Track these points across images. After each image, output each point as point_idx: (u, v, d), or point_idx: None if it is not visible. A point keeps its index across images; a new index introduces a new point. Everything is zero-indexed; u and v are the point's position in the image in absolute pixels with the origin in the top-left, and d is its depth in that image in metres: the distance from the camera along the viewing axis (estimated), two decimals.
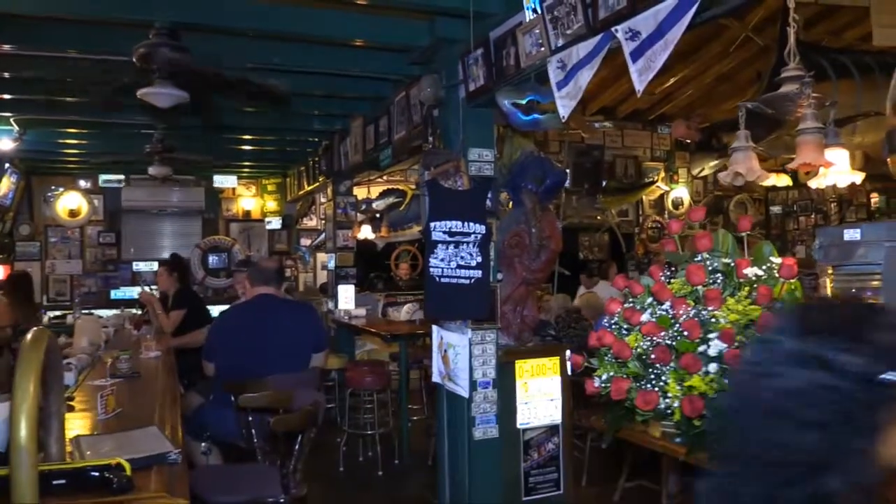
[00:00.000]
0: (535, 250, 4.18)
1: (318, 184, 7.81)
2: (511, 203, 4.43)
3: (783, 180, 9.08)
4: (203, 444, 3.84)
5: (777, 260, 2.04)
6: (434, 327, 4.45)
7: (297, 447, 2.95)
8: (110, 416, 2.67)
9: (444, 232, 3.97)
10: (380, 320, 7.36)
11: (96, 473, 1.70)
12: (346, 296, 7.04)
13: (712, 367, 1.93)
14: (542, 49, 3.22)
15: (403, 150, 5.15)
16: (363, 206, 7.80)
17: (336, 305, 7.12)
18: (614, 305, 2.29)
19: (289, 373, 3.59)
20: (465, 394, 4.02)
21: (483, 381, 4.01)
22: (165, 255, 8.32)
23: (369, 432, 5.70)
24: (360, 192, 9.29)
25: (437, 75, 4.21)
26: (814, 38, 6.26)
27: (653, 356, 2.01)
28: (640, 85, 2.61)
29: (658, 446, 2.08)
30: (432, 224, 3.99)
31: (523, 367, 4.18)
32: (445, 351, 4.27)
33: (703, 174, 10.41)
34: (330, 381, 6.63)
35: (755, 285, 2.00)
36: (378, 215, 8.94)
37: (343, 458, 5.69)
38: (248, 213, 10.14)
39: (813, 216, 10.59)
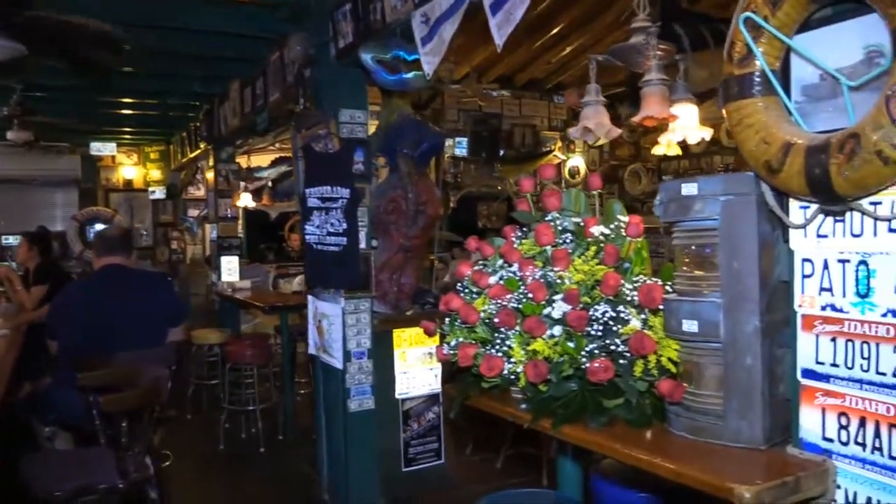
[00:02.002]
0: (412, 216, 4.06)
1: (199, 151, 7.44)
2: (388, 167, 4.28)
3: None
4: (47, 428, 3.56)
5: (625, 218, 1.97)
6: (309, 297, 4.28)
7: (141, 427, 2.74)
8: None
9: (318, 198, 3.81)
10: (270, 292, 7.14)
11: None
12: (230, 267, 6.76)
13: (557, 329, 1.84)
14: (407, 3, 3.07)
15: (280, 113, 4.92)
16: (246, 174, 7.48)
17: (219, 277, 6.82)
18: (464, 268, 2.19)
19: (140, 348, 3.34)
20: (340, 365, 3.89)
21: (357, 351, 3.88)
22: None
23: (251, 408, 5.48)
24: (255, 160, 8.96)
25: (307, 33, 4.00)
26: (702, 10, 6.31)
27: (496, 320, 1.92)
28: (499, 39, 2.50)
29: (506, 414, 2.00)
30: (307, 190, 3.83)
31: (401, 336, 4.08)
32: (320, 321, 4.12)
33: (599, 143, 10.50)
34: (213, 357, 6.37)
35: (602, 245, 1.93)
36: (270, 184, 8.63)
37: (225, 435, 5.47)
38: (129, 183, 9.62)
39: None
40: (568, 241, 2.02)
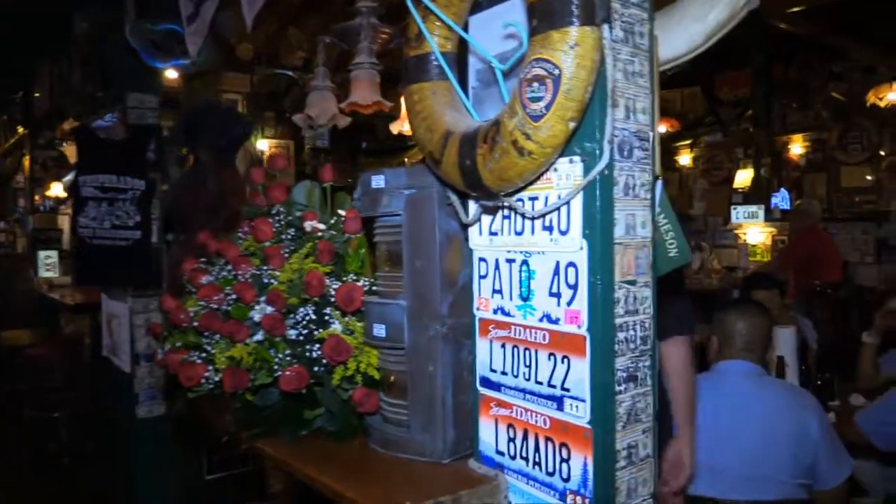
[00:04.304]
0: (214, 209, 3.80)
1: (17, 136, 6.87)
2: (192, 157, 4.01)
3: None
4: None
5: (343, 212, 1.83)
6: (103, 295, 3.96)
7: None
8: None
9: (96, 187, 3.50)
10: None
11: None
12: (48, 263, 6.26)
13: (262, 334, 1.68)
14: None
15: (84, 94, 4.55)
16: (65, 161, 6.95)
17: (36, 273, 6.31)
18: (187, 265, 1.99)
19: None
20: (127, 368, 3.60)
21: (147, 353, 3.60)
22: None
23: (56, 414, 5.07)
24: None
25: (92, 9, 3.68)
26: None
27: (196, 323, 1.74)
28: (249, 19, 2.33)
29: (214, 425, 1.82)
30: (81, 178, 3.50)
31: None
32: (110, 321, 3.81)
33: None
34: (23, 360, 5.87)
35: (317, 241, 1.78)
36: None
37: (30, 445, 5.05)
38: None
39: None
40: (291, 236, 1.86)
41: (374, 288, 1.62)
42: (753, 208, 7.87)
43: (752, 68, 8.03)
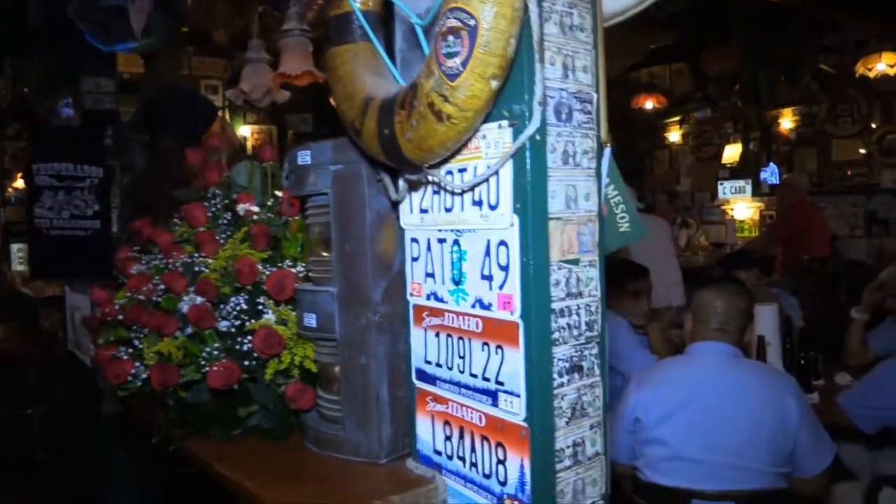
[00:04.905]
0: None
1: None
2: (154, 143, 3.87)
3: None
4: None
5: (280, 194, 1.70)
6: (66, 288, 3.82)
7: None
8: None
9: (51, 175, 3.36)
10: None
11: None
12: (21, 256, 6.10)
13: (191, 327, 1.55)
14: None
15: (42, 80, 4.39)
16: None
17: (9, 267, 6.16)
18: (121, 253, 1.87)
19: None
20: (90, 363, 3.47)
21: None
22: None
23: (29, 411, 4.94)
24: None
25: None
26: None
27: (120, 317, 1.62)
28: None
29: (152, 424, 1.70)
30: (35, 167, 3.36)
31: None
32: (73, 314, 3.68)
33: None
34: None
35: (252, 225, 1.65)
36: None
37: (3, 443, 4.92)
38: None
39: None
40: (227, 221, 1.73)
41: (310, 274, 1.49)
42: (740, 183, 7.74)
43: (739, 42, 7.86)
